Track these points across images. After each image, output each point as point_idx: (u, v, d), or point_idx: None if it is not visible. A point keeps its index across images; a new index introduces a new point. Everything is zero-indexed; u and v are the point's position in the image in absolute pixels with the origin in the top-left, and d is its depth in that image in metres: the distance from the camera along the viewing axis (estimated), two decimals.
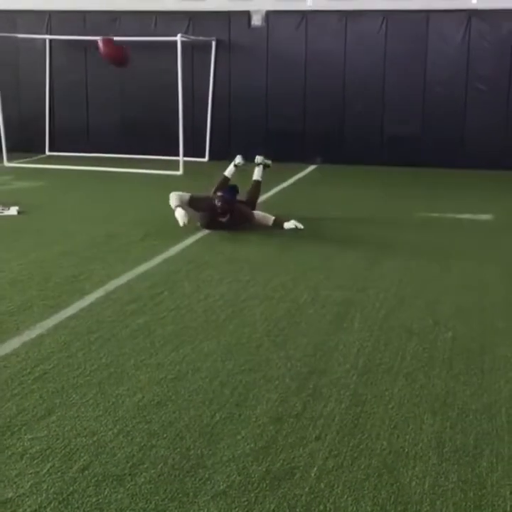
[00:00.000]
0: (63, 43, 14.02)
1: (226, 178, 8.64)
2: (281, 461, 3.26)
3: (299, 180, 11.79)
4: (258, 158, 8.87)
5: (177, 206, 7.68)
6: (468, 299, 5.62)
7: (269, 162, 8.97)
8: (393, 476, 3.15)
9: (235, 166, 8.76)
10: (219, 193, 7.76)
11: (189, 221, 7.64)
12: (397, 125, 13.04)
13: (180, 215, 7.62)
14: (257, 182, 8.68)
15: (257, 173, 8.75)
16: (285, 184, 11.13)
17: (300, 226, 7.80)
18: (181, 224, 7.59)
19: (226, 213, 7.71)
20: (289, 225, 7.81)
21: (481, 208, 9.28)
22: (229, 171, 8.73)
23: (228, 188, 7.84)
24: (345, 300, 5.55)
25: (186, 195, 7.80)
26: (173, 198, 7.76)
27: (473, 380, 4.13)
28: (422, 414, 3.70)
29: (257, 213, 7.94)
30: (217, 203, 7.66)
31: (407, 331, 4.90)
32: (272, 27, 13.26)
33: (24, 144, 14.09)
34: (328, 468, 3.21)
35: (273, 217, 7.87)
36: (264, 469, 3.20)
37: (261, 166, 8.82)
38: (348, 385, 4.04)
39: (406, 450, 3.36)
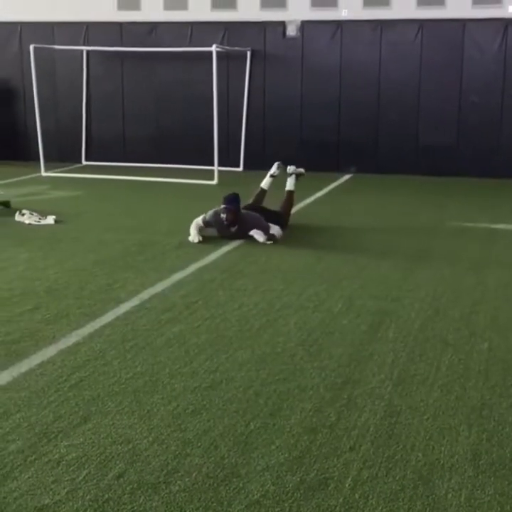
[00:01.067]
0: (100, 53, 14.18)
1: (263, 190, 8.67)
2: (315, 471, 3.25)
3: (334, 189, 11.77)
4: (290, 168, 8.86)
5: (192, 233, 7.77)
6: (504, 310, 5.56)
7: (301, 171, 8.95)
8: (429, 487, 3.13)
9: (271, 176, 8.77)
10: (222, 205, 7.74)
11: (202, 235, 7.73)
12: (432, 134, 12.96)
13: (193, 236, 7.70)
14: (290, 192, 8.66)
15: (289, 184, 8.74)
16: (319, 194, 11.12)
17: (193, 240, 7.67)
18: (196, 241, 7.64)
19: (233, 223, 7.72)
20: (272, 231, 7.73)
21: None
22: (265, 182, 8.75)
23: (230, 197, 7.79)
24: (380, 310, 5.53)
25: (199, 220, 7.86)
26: (193, 228, 7.82)
27: (510, 391, 4.09)
28: (457, 426, 3.67)
29: (272, 227, 7.82)
30: (223, 214, 7.69)
31: (443, 341, 4.86)
32: (306, 37, 13.28)
33: (61, 153, 14.27)
34: (363, 479, 3.19)
35: (267, 237, 7.73)
36: (298, 479, 3.19)
37: (293, 176, 8.81)
38: (383, 396, 4.02)
39: (441, 462, 3.33)
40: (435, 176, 12.72)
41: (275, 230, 7.78)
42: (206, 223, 7.84)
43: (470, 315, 5.44)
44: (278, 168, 8.86)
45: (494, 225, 8.77)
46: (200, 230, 7.78)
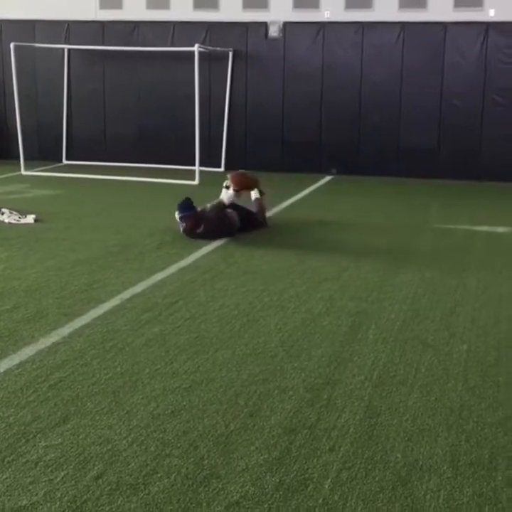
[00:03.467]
0: (82, 52, 14.11)
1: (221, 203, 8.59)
2: (294, 472, 3.25)
3: (315, 191, 11.79)
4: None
5: None
6: (484, 312, 5.59)
7: (263, 190, 8.88)
8: (407, 488, 3.14)
9: (226, 187, 8.57)
10: (178, 216, 7.80)
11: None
12: (413, 136, 13.01)
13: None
14: (257, 199, 8.66)
15: (253, 195, 8.71)
16: (300, 195, 11.13)
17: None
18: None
19: (196, 226, 7.75)
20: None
21: (498, 221, 9.24)
22: (223, 195, 8.63)
23: (181, 205, 7.80)
24: (360, 311, 5.54)
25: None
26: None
27: (489, 393, 4.11)
28: (436, 427, 3.68)
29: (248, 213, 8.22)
30: (181, 225, 7.80)
31: (422, 343, 4.88)
32: (288, 38, 13.30)
33: (41, 152, 14.19)
34: (342, 480, 3.20)
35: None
36: (277, 480, 3.19)
37: (256, 190, 8.75)
38: (363, 397, 4.03)
39: (420, 463, 3.34)
40: (416, 178, 12.77)
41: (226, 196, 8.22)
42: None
43: (450, 316, 5.46)
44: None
45: (475, 227, 8.81)
46: None
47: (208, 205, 8.09)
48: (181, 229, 7.85)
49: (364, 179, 12.81)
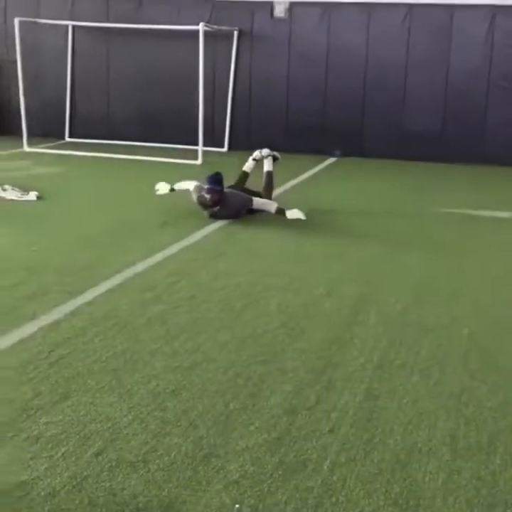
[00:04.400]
0: (86, 29, 14.04)
1: (245, 173, 8.65)
2: (294, 453, 3.27)
3: (318, 173, 11.76)
4: (264, 151, 8.88)
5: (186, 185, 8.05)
6: (485, 296, 5.60)
7: (276, 154, 8.95)
8: (406, 471, 3.15)
9: (254, 159, 8.76)
10: (206, 186, 7.73)
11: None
12: (417, 119, 12.97)
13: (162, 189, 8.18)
14: (269, 173, 8.67)
15: (266, 165, 8.74)
16: (303, 176, 11.11)
17: (302, 216, 7.76)
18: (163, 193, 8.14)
19: (216, 204, 7.71)
20: (291, 214, 7.78)
21: (501, 205, 9.23)
22: (247, 165, 8.73)
23: (214, 178, 7.78)
24: (361, 294, 5.54)
25: (197, 184, 7.95)
26: (183, 185, 8.07)
27: (489, 377, 4.12)
28: (436, 411, 3.70)
29: (257, 200, 7.92)
30: (206, 195, 7.67)
31: (423, 327, 4.89)
32: (294, 18, 13.21)
33: (44, 129, 14.15)
34: (341, 462, 3.21)
35: (276, 205, 7.87)
36: (277, 460, 3.20)
37: (270, 158, 8.82)
38: (363, 379, 4.04)
39: (419, 446, 3.36)
40: (420, 161, 12.73)
41: (261, 201, 7.93)
42: (197, 188, 7.88)
43: (451, 301, 5.46)
44: (260, 153, 8.85)
45: (478, 212, 8.79)
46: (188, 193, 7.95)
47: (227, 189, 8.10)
48: (197, 200, 7.81)
49: (368, 162, 12.78)
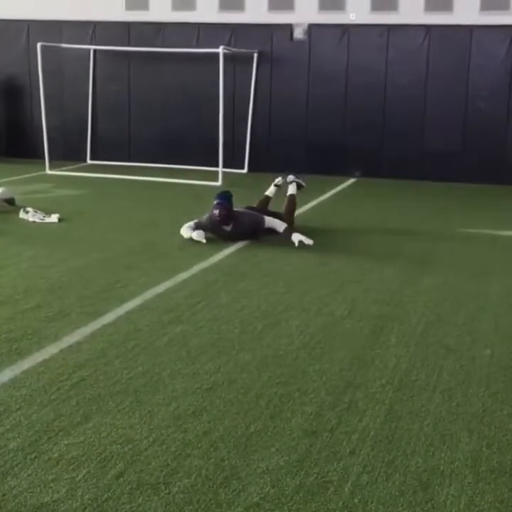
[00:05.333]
0: (107, 53, 14.19)
1: (268, 198, 8.70)
2: (315, 475, 3.25)
3: (338, 193, 11.77)
4: (290, 177, 8.97)
5: (192, 233, 7.71)
6: (507, 317, 5.56)
7: (301, 182, 8.97)
8: (428, 493, 3.12)
9: (276, 185, 8.80)
10: (215, 201, 7.74)
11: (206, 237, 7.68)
12: (437, 140, 12.96)
13: (198, 235, 7.62)
14: (291, 196, 8.70)
15: (291, 189, 8.80)
16: (323, 197, 11.12)
17: (309, 242, 7.48)
18: (204, 241, 7.58)
19: (226, 220, 7.65)
20: (295, 237, 7.56)
21: None
22: (270, 190, 8.79)
23: (221, 194, 7.79)
24: (383, 314, 5.53)
25: (191, 223, 7.82)
26: (185, 231, 7.76)
27: (511, 398, 4.08)
28: (458, 433, 3.67)
29: (269, 219, 7.84)
30: (215, 211, 7.65)
31: (445, 347, 4.86)
32: (314, 40, 13.29)
33: (66, 152, 14.29)
34: (362, 484, 3.19)
35: (285, 226, 7.78)
36: (297, 482, 3.19)
37: (294, 184, 8.86)
38: (384, 400, 4.02)
39: (441, 468, 3.33)
40: (440, 181, 12.72)
41: (275, 223, 7.77)
42: (198, 225, 7.78)
43: (472, 321, 5.43)
44: (283, 178, 8.91)
45: (499, 232, 8.75)
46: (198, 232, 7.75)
47: (240, 208, 8.07)
48: (191, 222, 7.77)
49: (388, 182, 12.77)
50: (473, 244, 8.14)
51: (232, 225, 7.69)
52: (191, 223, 7.80)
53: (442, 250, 7.81)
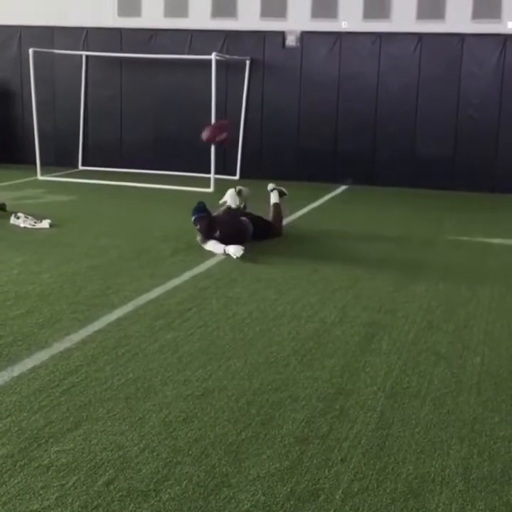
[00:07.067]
0: (99, 59, 14.19)
1: (276, 205, 8.74)
2: (306, 482, 3.24)
3: (329, 200, 11.79)
4: (270, 185, 9.03)
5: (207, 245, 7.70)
6: (498, 324, 5.57)
7: (283, 189, 9.02)
8: (419, 501, 3.12)
9: (271, 190, 8.89)
10: (193, 218, 7.76)
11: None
12: (429, 147, 13.00)
13: (235, 250, 7.45)
14: (276, 204, 8.76)
15: (273, 198, 8.85)
16: (315, 204, 11.14)
17: (235, 254, 7.35)
18: (240, 254, 7.39)
19: (209, 231, 7.66)
20: (229, 249, 7.44)
21: None
22: (273, 197, 8.83)
23: (195, 208, 7.78)
24: (374, 322, 5.53)
25: (200, 238, 7.82)
26: (209, 246, 7.68)
27: (502, 406, 4.08)
28: (449, 440, 3.67)
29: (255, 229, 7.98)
30: (196, 226, 7.74)
31: (436, 354, 4.86)
32: (306, 47, 13.33)
33: (57, 157, 14.27)
34: (354, 491, 3.18)
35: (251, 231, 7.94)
36: (288, 490, 3.18)
37: (276, 191, 8.90)
38: (375, 408, 4.01)
39: (432, 475, 3.33)
40: (432, 189, 12.76)
41: (232, 249, 7.45)
42: (201, 240, 7.81)
43: (463, 328, 5.44)
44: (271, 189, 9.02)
45: (490, 240, 8.78)
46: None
47: (221, 210, 8.14)
48: (198, 237, 7.80)
49: (379, 189, 12.80)
50: (465, 251, 8.16)
51: (218, 231, 7.68)
52: (199, 238, 7.83)
53: (433, 257, 7.83)
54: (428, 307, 5.96)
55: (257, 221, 8.18)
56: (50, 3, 14.28)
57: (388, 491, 3.19)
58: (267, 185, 9.12)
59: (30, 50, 12.75)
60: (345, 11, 13.13)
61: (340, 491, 3.18)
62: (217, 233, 7.68)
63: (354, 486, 3.23)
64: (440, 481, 3.28)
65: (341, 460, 3.44)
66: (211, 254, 7.48)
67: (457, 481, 3.29)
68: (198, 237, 7.80)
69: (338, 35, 13.17)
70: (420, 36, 12.81)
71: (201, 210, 7.76)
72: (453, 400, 4.15)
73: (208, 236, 7.69)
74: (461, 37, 12.61)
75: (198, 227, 7.72)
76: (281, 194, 8.97)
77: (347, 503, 3.10)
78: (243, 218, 8.09)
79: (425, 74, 12.86)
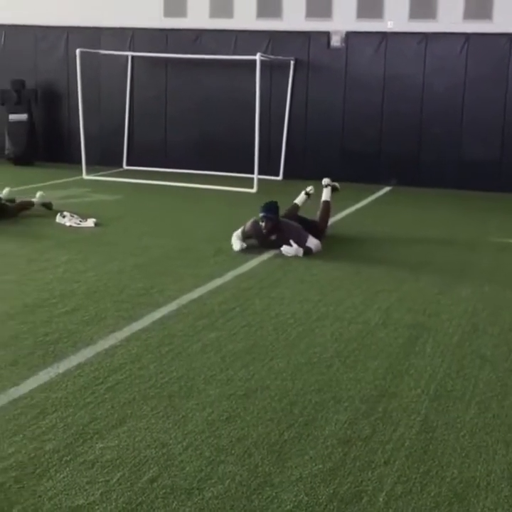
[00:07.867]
0: (145, 60, 14.29)
1: (296, 206, 8.63)
2: (348, 484, 3.23)
3: (373, 201, 11.72)
4: (325, 180, 8.92)
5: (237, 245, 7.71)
6: None
7: (336, 185, 8.97)
8: (464, 506, 3.09)
9: (306, 194, 8.76)
10: (261, 214, 7.73)
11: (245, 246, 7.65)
12: (475, 149, 12.84)
13: (235, 245, 7.65)
14: (326, 202, 8.67)
15: (325, 194, 8.76)
16: (359, 205, 11.08)
17: (298, 253, 7.48)
18: (238, 248, 7.60)
19: (272, 232, 7.68)
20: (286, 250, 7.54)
21: None
22: (300, 199, 8.72)
23: (268, 206, 7.78)
24: (418, 324, 5.48)
25: (238, 232, 7.82)
26: (234, 243, 7.73)
27: None
28: (494, 444, 3.63)
29: (311, 240, 7.69)
30: (261, 223, 7.68)
31: (481, 358, 4.81)
32: (351, 48, 13.27)
33: (103, 157, 14.40)
34: (397, 494, 3.16)
35: (315, 249, 7.67)
36: (331, 491, 3.17)
37: (329, 188, 8.84)
38: (419, 411, 3.98)
39: (477, 480, 3.29)
40: (477, 191, 12.60)
41: (313, 243, 7.71)
42: (245, 234, 7.81)
43: (509, 332, 5.37)
44: (325, 182, 8.94)
45: None
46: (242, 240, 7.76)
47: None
48: (239, 230, 7.79)
49: (424, 191, 12.69)
50: (510, 254, 8.05)
51: (277, 235, 7.68)
52: (239, 232, 7.81)
53: (479, 259, 7.74)
54: (473, 310, 5.89)
55: (308, 225, 8.06)
56: (98, 5, 14.42)
57: (432, 494, 3.17)
58: (308, 186, 9.05)
59: (77, 51, 12.87)
60: (391, 10, 13.04)
61: (384, 494, 3.16)
62: (275, 236, 7.68)
63: (397, 488, 3.21)
64: (485, 486, 3.24)
65: (384, 462, 3.42)
66: (254, 254, 7.48)
67: (503, 486, 3.25)
68: (239, 230, 7.80)
69: (384, 36, 13.09)
70: (467, 36, 12.67)
71: (272, 210, 7.73)
72: (498, 403, 4.10)
73: (267, 236, 7.69)
74: (509, 37, 12.44)
75: (264, 224, 7.66)
76: (333, 189, 8.91)
77: (390, 505, 3.08)
78: (296, 224, 7.94)
79: (472, 75, 12.71)
